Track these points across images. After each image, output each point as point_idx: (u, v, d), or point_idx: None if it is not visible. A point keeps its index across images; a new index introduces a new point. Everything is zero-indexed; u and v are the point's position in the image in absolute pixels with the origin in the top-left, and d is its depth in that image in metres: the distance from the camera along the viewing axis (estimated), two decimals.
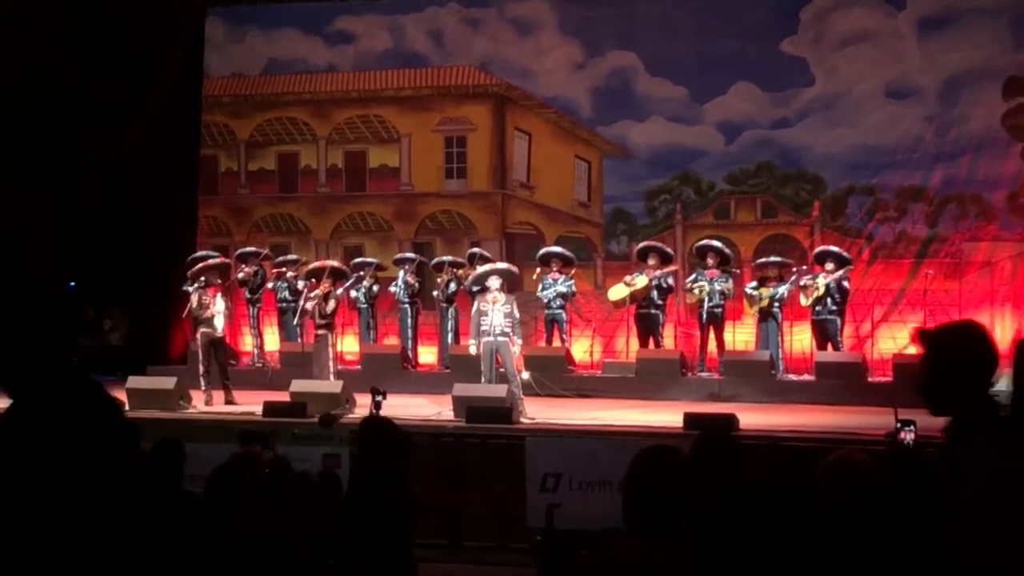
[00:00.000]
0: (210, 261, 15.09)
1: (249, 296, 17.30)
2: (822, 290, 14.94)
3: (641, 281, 15.62)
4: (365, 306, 17.04)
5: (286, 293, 16.86)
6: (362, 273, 16.75)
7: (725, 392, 14.50)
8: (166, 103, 18.96)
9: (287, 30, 19.41)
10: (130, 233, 18.20)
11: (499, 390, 12.47)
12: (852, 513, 3.68)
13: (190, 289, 14.48)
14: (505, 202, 18.61)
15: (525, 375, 14.01)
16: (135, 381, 13.82)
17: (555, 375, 15.02)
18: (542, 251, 16.65)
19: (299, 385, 13.17)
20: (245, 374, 16.06)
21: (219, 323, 14.12)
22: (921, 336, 3.60)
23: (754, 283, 15.61)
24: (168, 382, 13.65)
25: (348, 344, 16.93)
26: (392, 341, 17.27)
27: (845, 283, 15.09)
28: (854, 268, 15.49)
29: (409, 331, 16.87)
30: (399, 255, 17.58)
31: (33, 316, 15.15)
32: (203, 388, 13.90)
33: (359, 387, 12.50)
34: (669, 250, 16.33)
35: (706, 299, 15.40)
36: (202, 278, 14.35)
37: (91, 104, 17.70)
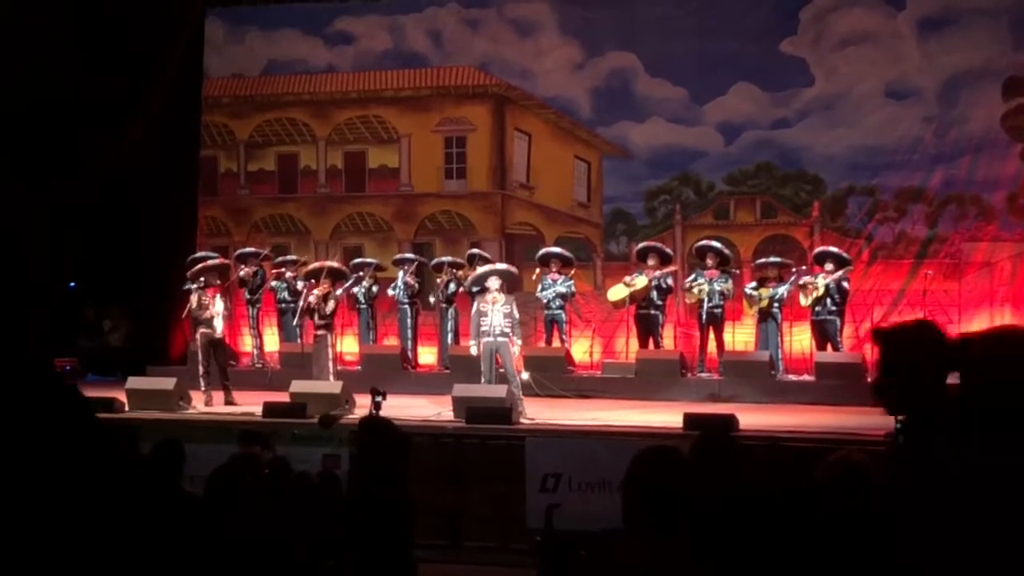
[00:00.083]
0: (210, 262, 15.08)
1: (249, 297, 17.30)
2: (822, 290, 14.94)
3: (641, 281, 15.62)
4: (365, 307, 17.04)
5: (286, 294, 16.86)
6: (361, 274, 16.75)
7: (725, 392, 14.50)
8: (166, 103, 18.96)
9: (287, 31, 19.41)
10: (130, 233, 18.20)
11: (499, 391, 12.47)
12: (852, 513, 3.68)
13: (191, 288, 14.48)
14: (505, 202, 18.61)
15: (525, 375, 14.01)
16: (135, 382, 13.82)
17: (555, 375, 15.02)
18: (541, 251, 16.64)
19: (299, 386, 13.17)
20: (245, 375, 16.06)
21: (218, 324, 14.12)
22: (876, 335, 3.61)
23: (754, 283, 15.61)
24: (168, 383, 13.64)
25: (348, 345, 16.93)
26: (392, 342, 17.27)
27: (845, 283, 15.09)
28: (854, 268, 15.49)
29: (409, 331, 16.86)
30: (399, 255, 17.58)
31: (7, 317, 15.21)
32: (203, 389, 13.90)
33: (359, 388, 12.49)
34: (669, 250, 16.33)
35: (706, 299, 15.40)
36: (201, 279, 14.35)
37: (91, 104, 17.70)
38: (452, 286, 16.48)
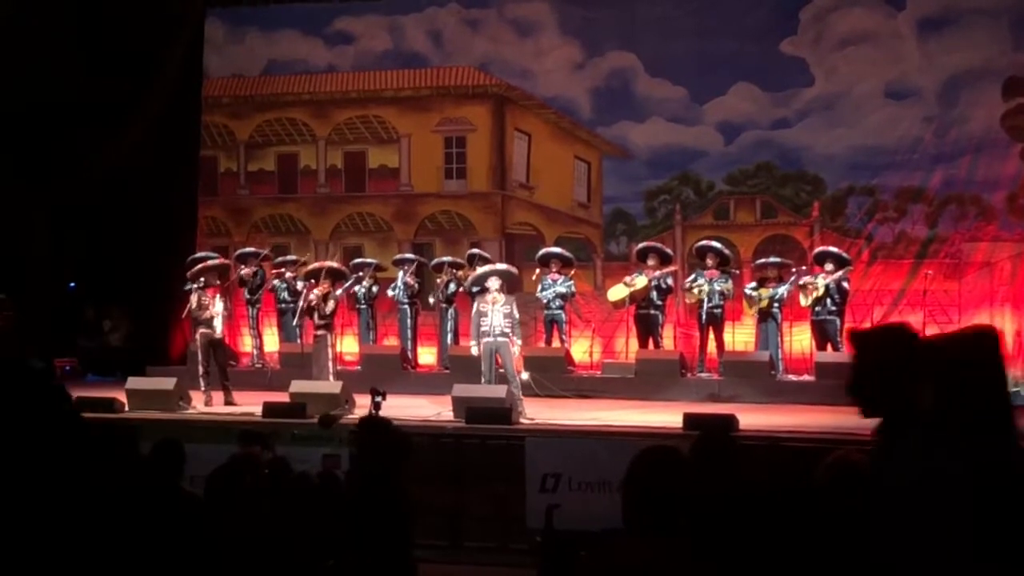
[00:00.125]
0: (209, 262, 15.07)
1: (249, 297, 17.29)
2: (822, 290, 14.93)
3: (640, 282, 15.62)
4: (364, 307, 17.03)
5: (285, 294, 16.86)
6: (361, 274, 16.74)
7: (725, 392, 14.49)
8: (166, 103, 18.97)
9: (287, 31, 19.40)
10: (130, 233, 18.20)
11: (499, 391, 12.47)
12: (852, 513, 3.68)
13: (191, 288, 14.48)
14: (505, 203, 18.61)
15: (525, 376, 14.00)
16: (135, 382, 13.81)
17: (554, 376, 15.01)
18: (541, 252, 16.64)
19: (298, 386, 13.17)
20: (245, 375, 16.05)
21: (218, 324, 14.11)
22: (851, 337, 3.63)
23: (753, 284, 15.61)
24: (168, 383, 13.64)
25: (348, 345, 16.93)
26: (392, 342, 17.26)
27: (845, 283, 15.08)
28: (853, 268, 15.49)
29: (409, 332, 16.86)
30: (398, 256, 17.57)
31: None
32: (203, 389, 13.89)
33: (359, 388, 12.49)
34: (668, 251, 16.33)
35: (705, 300, 15.40)
36: (201, 279, 14.35)
37: (91, 104, 17.71)
38: (452, 286, 16.48)
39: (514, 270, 14.47)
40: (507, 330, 12.83)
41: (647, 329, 15.74)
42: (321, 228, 19.28)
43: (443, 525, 10.94)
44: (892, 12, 16.72)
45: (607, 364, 15.98)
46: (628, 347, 15.88)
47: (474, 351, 13.14)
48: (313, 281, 14.61)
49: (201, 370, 14.06)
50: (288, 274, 16.87)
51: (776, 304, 15.27)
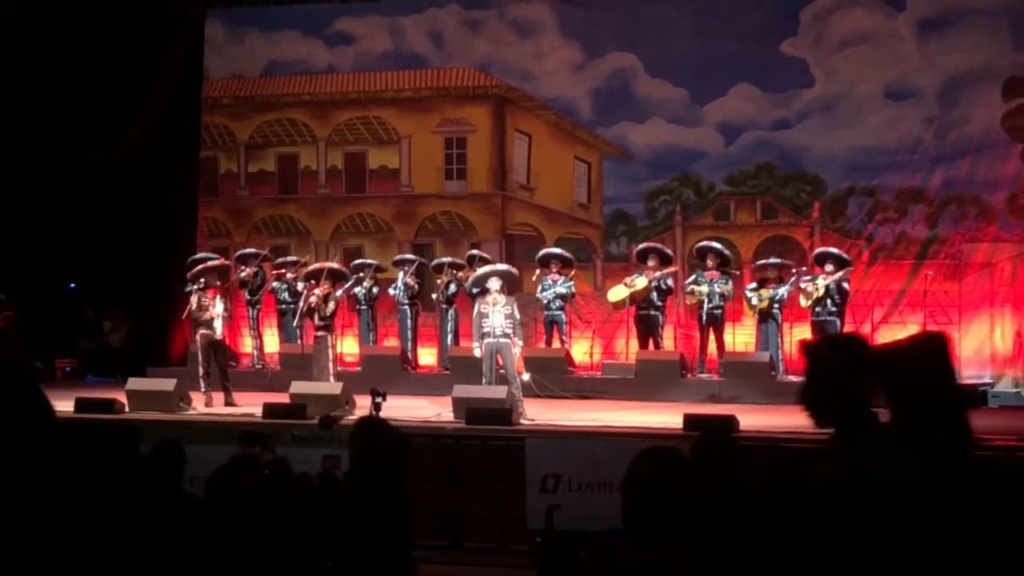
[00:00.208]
0: (210, 263, 15.08)
1: (249, 298, 17.30)
2: (822, 291, 14.93)
3: (641, 282, 15.61)
4: (365, 307, 17.04)
5: (286, 295, 16.86)
6: (362, 275, 16.74)
7: (725, 393, 14.49)
8: (166, 104, 18.98)
9: (287, 32, 19.41)
10: (130, 234, 18.21)
11: (499, 391, 12.47)
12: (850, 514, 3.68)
13: (192, 289, 14.48)
14: (505, 203, 18.61)
15: (525, 376, 14.00)
16: (135, 383, 13.82)
17: (555, 376, 15.01)
18: (542, 252, 16.64)
19: (299, 387, 13.17)
20: (245, 376, 16.07)
21: (218, 325, 14.11)
22: (802, 348, 3.64)
23: (754, 284, 15.60)
24: (168, 384, 13.65)
25: (348, 345, 16.92)
26: (392, 343, 17.26)
27: (845, 284, 15.08)
28: (854, 269, 15.48)
29: (409, 332, 16.86)
30: (399, 256, 17.57)
31: None
32: (203, 390, 13.89)
33: (359, 388, 12.49)
34: (669, 251, 16.32)
35: (706, 300, 15.40)
36: (202, 280, 14.35)
37: (91, 104, 17.72)
38: (452, 287, 16.48)
39: (514, 271, 14.47)
40: (508, 331, 12.83)
41: (647, 330, 15.74)
42: (321, 229, 19.28)
43: (443, 525, 10.94)
44: (892, 13, 16.73)
45: (607, 365, 15.98)
46: (628, 348, 15.88)
47: (476, 352, 13.14)
48: (313, 282, 14.61)
49: (201, 371, 14.06)
50: (288, 275, 16.87)
51: (776, 305, 15.27)
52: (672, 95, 17.56)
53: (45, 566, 3.21)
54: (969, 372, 15.29)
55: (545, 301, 15.93)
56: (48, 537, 3.21)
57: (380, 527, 5.28)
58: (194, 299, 14.18)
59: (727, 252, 15.88)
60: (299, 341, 15.51)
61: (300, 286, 15.83)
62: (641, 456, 3.57)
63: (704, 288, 15.42)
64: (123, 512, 4.71)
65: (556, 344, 15.95)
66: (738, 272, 16.35)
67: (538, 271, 16.39)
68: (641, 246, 16.42)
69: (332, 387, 13.17)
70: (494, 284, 13.06)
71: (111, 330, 18.90)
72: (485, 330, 12.87)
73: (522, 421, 12.40)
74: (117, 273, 18.27)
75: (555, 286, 15.89)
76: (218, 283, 14.61)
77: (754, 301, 15.34)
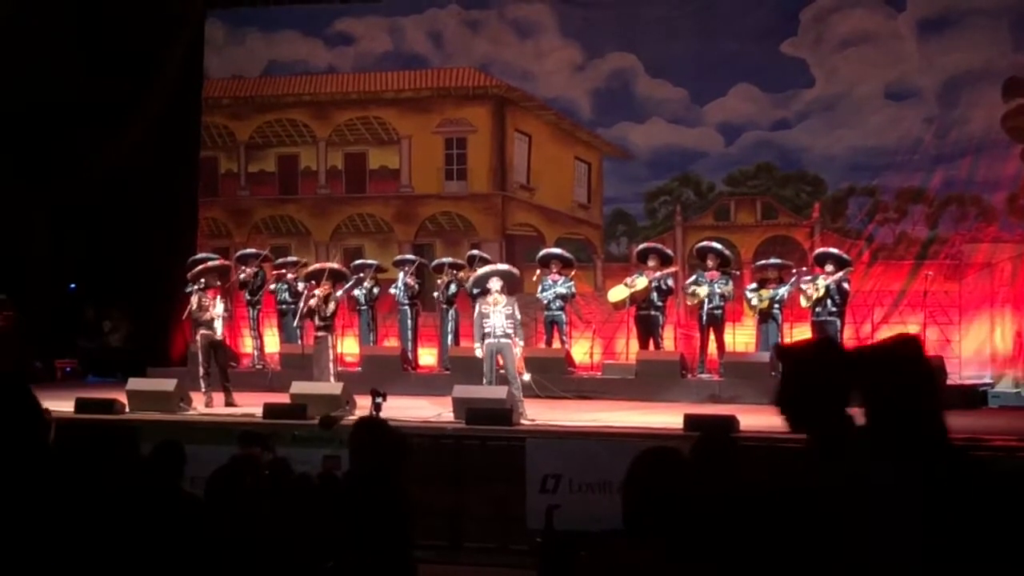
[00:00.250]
0: (210, 263, 15.08)
1: (249, 298, 17.30)
2: (822, 292, 14.92)
3: (641, 283, 15.61)
4: (365, 308, 17.04)
5: (286, 295, 16.86)
6: (362, 275, 16.75)
7: (725, 393, 14.48)
8: (166, 104, 18.98)
9: (287, 32, 19.41)
10: (130, 234, 18.22)
11: (499, 392, 12.47)
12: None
13: (192, 289, 14.48)
14: (505, 204, 18.61)
15: (525, 377, 14.00)
16: (135, 383, 13.82)
17: (555, 377, 15.01)
18: (542, 252, 16.64)
19: (299, 387, 13.17)
20: (245, 376, 16.07)
21: (218, 326, 14.11)
22: (778, 352, 3.63)
23: (754, 285, 15.60)
24: (168, 384, 13.65)
25: (348, 346, 16.92)
26: (392, 343, 17.26)
27: (845, 284, 15.07)
28: (854, 269, 15.47)
29: (409, 333, 16.86)
30: (399, 257, 17.57)
31: None
32: (203, 390, 13.89)
33: (359, 389, 12.49)
34: (669, 251, 16.32)
35: (706, 301, 15.40)
36: (202, 280, 14.35)
37: (91, 104, 17.72)
38: (453, 287, 16.48)
39: (515, 271, 14.48)
40: (509, 331, 12.83)
41: (647, 330, 15.74)
42: (322, 229, 19.28)
43: (443, 526, 10.94)
44: (892, 13, 16.73)
45: (607, 365, 15.98)
46: (628, 348, 15.88)
47: (478, 352, 13.14)
48: (314, 282, 14.61)
49: (202, 371, 14.06)
50: (289, 275, 16.87)
51: (776, 305, 15.27)
52: (672, 95, 17.56)
53: (45, 566, 3.21)
54: (969, 372, 15.31)
55: (545, 301, 15.93)
56: (48, 537, 3.21)
57: (380, 527, 5.28)
58: (194, 299, 14.18)
59: (727, 252, 15.88)
60: (299, 341, 15.52)
61: (300, 286, 15.83)
62: (641, 456, 3.57)
63: (704, 289, 15.42)
64: (123, 512, 4.71)
65: (556, 344, 15.95)
66: (738, 272, 16.34)
67: (538, 271, 16.39)
68: (641, 246, 16.42)
69: (332, 387, 13.17)
70: (495, 284, 13.06)
71: (111, 330, 18.90)
72: (486, 330, 12.87)
73: (522, 421, 12.40)
74: (117, 273, 18.28)
75: (555, 286, 15.89)
76: (218, 283, 14.61)
77: (754, 301, 15.34)
